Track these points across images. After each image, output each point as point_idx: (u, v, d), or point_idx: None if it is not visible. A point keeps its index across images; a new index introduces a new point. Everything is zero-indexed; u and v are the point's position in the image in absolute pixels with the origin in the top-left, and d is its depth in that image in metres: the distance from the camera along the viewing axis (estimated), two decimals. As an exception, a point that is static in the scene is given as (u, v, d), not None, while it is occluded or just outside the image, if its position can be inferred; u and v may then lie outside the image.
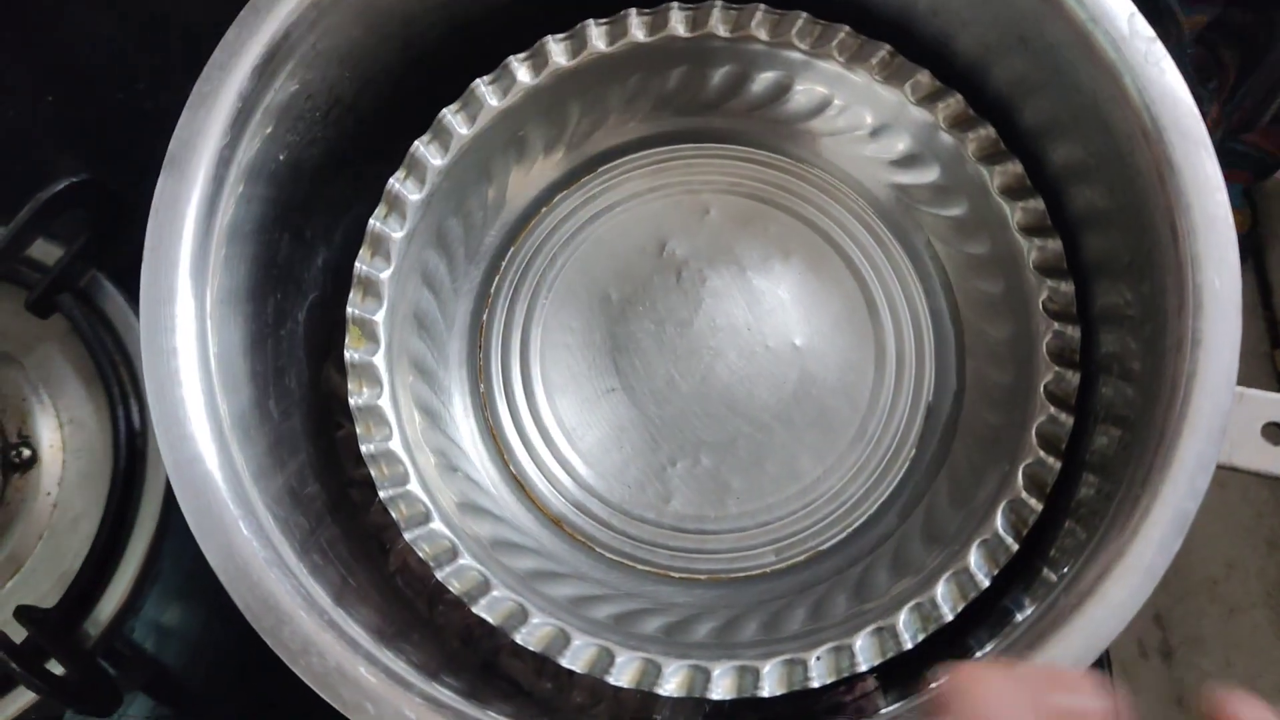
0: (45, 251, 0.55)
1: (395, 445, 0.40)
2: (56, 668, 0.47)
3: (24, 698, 0.49)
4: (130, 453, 0.52)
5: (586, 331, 0.47)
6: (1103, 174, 0.38)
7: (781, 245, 0.48)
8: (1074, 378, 0.40)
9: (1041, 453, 0.40)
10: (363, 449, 0.40)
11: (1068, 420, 0.40)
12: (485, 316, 0.48)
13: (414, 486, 0.40)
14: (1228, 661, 0.66)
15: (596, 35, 0.45)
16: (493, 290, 0.48)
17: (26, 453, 0.53)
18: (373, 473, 0.40)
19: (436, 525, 0.39)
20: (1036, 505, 0.39)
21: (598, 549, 0.45)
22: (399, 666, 0.32)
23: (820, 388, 0.46)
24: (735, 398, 0.46)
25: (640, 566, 0.45)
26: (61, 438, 0.54)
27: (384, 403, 0.41)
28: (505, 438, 0.47)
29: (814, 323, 0.47)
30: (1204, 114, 0.55)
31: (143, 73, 0.61)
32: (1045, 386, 0.40)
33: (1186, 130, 0.34)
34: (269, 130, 0.38)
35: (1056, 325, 0.41)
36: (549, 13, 0.44)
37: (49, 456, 0.53)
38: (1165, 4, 0.53)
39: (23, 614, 0.48)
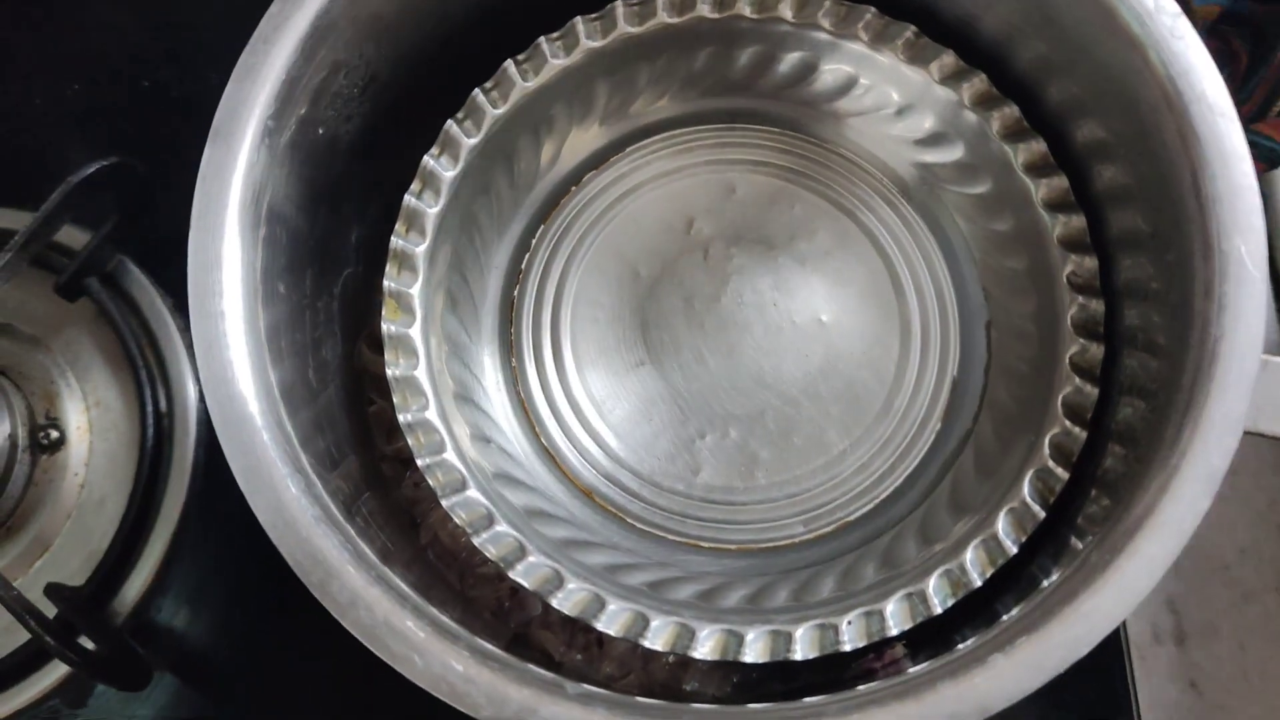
0: (72, 236, 0.55)
1: (432, 415, 0.41)
2: (87, 644, 0.48)
3: (57, 672, 0.49)
4: (157, 434, 0.53)
5: (616, 307, 0.48)
6: (1127, 148, 0.39)
7: (807, 223, 0.49)
8: (1098, 350, 0.41)
9: (1067, 423, 0.40)
10: (400, 418, 0.41)
11: (1092, 391, 0.41)
12: (517, 292, 0.49)
13: (450, 455, 0.40)
14: (1241, 646, 0.66)
15: (626, 16, 0.45)
16: (524, 267, 0.49)
17: (54, 434, 0.53)
18: (410, 441, 0.40)
19: (473, 493, 0.40)
20: (1063, 474, 0.40)
21: (629, 519, 0.45)
22: (444, 620, 0.32)
23: (846, 362, 0.47)
24: (763, 372, 0.47)
25: (671, 537, 0.45)
26: (89, 420, 0.54)
27: (420, 374, 0.42)
28: (537, 411, 0.47)
29: (840, 299, 0.47)
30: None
31: (166, 61, 0.61)
32: (1070, 359, 0.41)
33: (1212, 101, 0.35)
34: (309, 104, 0.39)
35: (1081, 299, 0.42)
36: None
37: (76, 438, 0.54)
38: (1179, -6, 0.54)
39: (52, 591, 0.49)
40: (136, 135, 0.61)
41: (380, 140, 0.44)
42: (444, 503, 0.39)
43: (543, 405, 0.47)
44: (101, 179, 0.52)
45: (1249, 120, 0.60)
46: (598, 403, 0.47)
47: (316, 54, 0.38)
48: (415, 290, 0.43)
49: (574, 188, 0.50)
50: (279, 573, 0.33)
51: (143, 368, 0.53)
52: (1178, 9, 0.36)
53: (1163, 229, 0.37)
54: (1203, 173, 0.35)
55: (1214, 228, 0.34)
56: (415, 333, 0.42)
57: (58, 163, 0.54)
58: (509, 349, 0.48)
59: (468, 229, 0.46)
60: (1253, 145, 0.63)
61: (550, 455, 0.47)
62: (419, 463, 0.40)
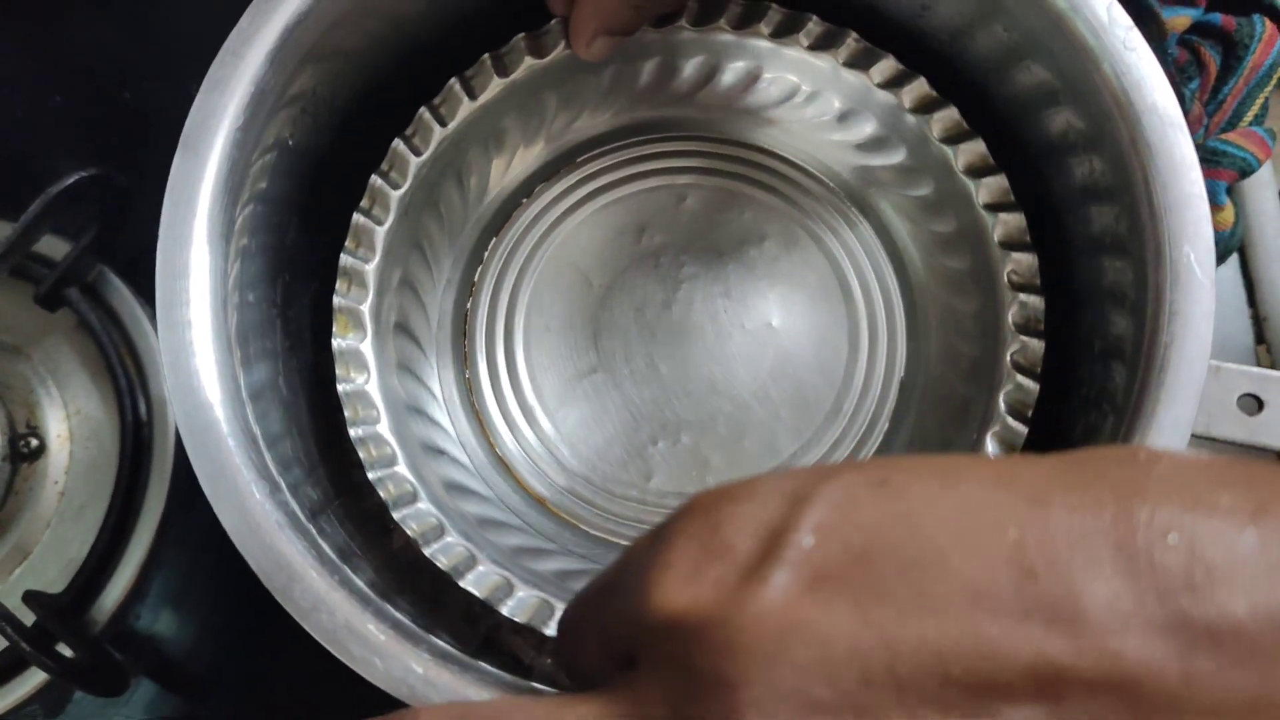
0: (53, 246, 0.56)
1: (383, 429, 0.42)
2: (65, 651, 0.48)
3: (35, 679, 0.50)
4: (136, 443, 0.53)
5: (568, 315, 0.49)
6: (1082, 154, 0.40)
7: (755, 230, 0.49)
8: (1038, 346, 0.42)
9: (1009, 419, 0.41)
10: (351, 432, 0.41)
11: (1033, 388, 0.42)
12: (470, 305, 0.49)
13: (402, 468, 0.41)
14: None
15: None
16: (476, 279, 0.50)
17: (34, 443, 0.54)
18: (361, 454, 0.41)
19: (424, 505, 0.41)
20: None
21: (583, 526, 0.46)
22: (407, 621, 0.32)
23: (796, 365, 0.47)
24: (714, 378, 0.47)
25: (624, 542, 0.46)
26: (69, 428, 0.55)
27: (371, 388, 0.43)
28: (491, 421, 0.48)
29: (788, 303, 0.48)
30: (1186, 113, 0.57)
31: (147, 74, 0.62)
32: (1011, 356, 0.42)
33: (1163, 112, 0.36)
34: (279, 114, 0.39)
35: (1021, 297, 0.43)
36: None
37: (56, 447, 0.54)
38: (1147, 5, 0.55)
39: (31, 599, 0.49)
40: (117, 147, 0.61)
41: (353, 151, 0.45)
42: (395, 515, 0.40)
43: (496, 416, 0.48)
44: (81, 190, 0.53)
45: (1221, 130, 0.61)
46: (551, 411, 0.48)
47: (286, 66, 0.38)
48: (365, 307, 0.44)
49: (525, 200, 0.50)
50: (256, 580, 0.33)
51: (122, 377, 0.54)
52: (1130, 22, 0.37)
53: (1119, 235, 0.38)
54: (1154, 181, 0.35)
55: (1164, 235, 0.35)
56: (366, 348, 0.43)
57: (38, 174, 0.54)
58: (463, 361, 0.49)
59: (419, 244, 0.47)
60: (1225, 155, 0.64)
61: (504, 464, 0.47)
62: (370, 476, 0.41)
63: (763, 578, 0.19)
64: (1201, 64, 0.60)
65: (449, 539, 0.40)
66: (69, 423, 0.55)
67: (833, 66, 0.46)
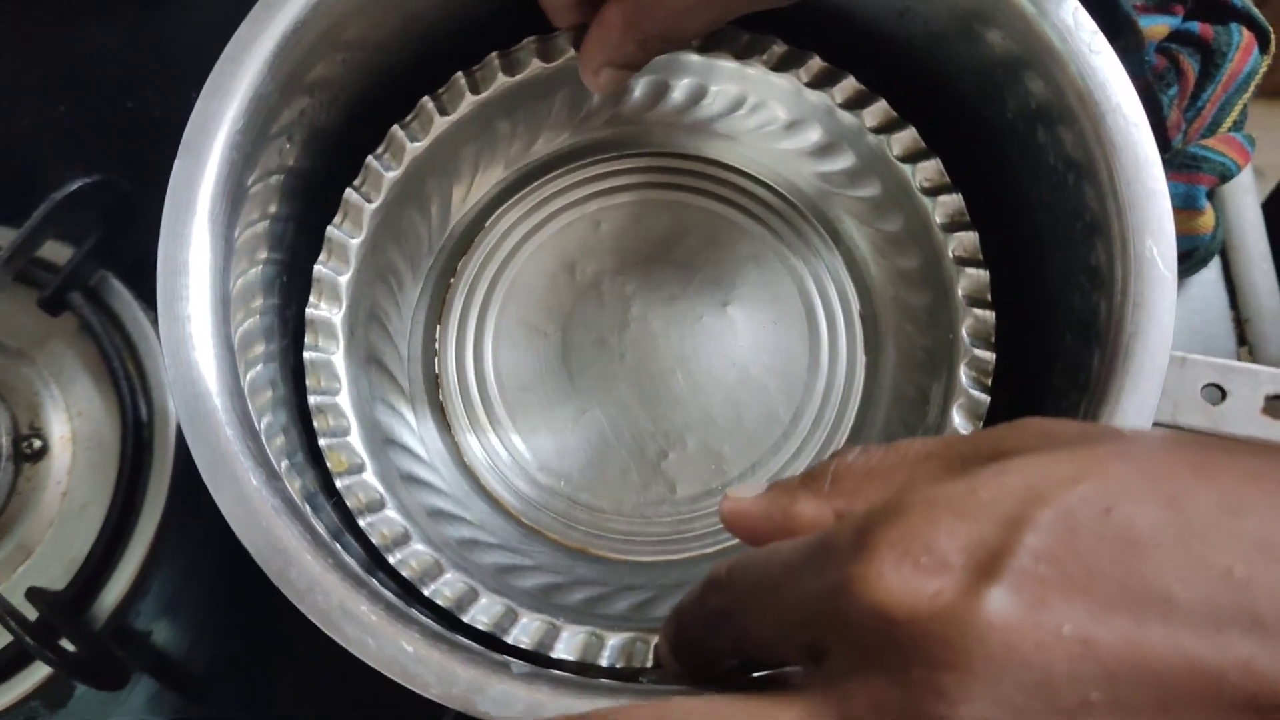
0: (56, 252, 0.57)
1: (370, 477, 0.43)
2: (67, 646, 0.49)
3: (39, 673, 0.50)
4: (137, 443, 0.54)
5: (539, 370, 0.49)
6: (1053, 152, 0.41)
7: (681, 234, 0.51)
8: (989, 315, 0.44)
9: (972, 390, 0.43)
10: (338, 483, 0.42)
11: (989, 356, 0.43)
12: (440, 376, 0.50)
13: (419, 545, 0.42)
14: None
15: (502, 65, 0.47)
16: (438, 348, 0.51)
17: (38, 444, 0.55)
18: (349, 502, 0.42)
19: (450, 575, 0.41)
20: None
21: (631, 559, 0.47)
22: (398, 602, 0.33)
23: (764, 334, 0.49)
24: (694, 376, 0.49)
25: (676, 556, 0.47)
26: (71, 430, 0.55)
27: (354, 439, 0.43)
28: (507, 496, 0.49)
29: (734, 285, 0.50)
30: (1165, 120, 0.58)
31: (150, 82, 0.63)
32: (966, 329, 0.44)
33: (1126, 112, 0.37)
34: (278, 119, 0.40)
35: (968, 270, 0.44)
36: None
37: (59, 447, 0.55)
38: (1125, 14, 0.56)
39: (34, 595, 0.50)
40: (120, 154, 0.62)
41: (350, 154, 0.46)
42: (390, 558, 0.41)
43: (508, 494, 0.49)
44: (84, 196, 0.54)
45: (1200, 136, 0.62)
46: (559, 471, 0.48)
47: (284, 71, 0.39)
48: (338, 357, 0.45)
49: (460, 262, 0.51)
50: (255, 576, 0.34)
51: (124, 379, 0.55)
52: (1095, 26, 0.38)
53: (1087, 229, 0.39)
54: (1118, 177, 0.37)
55: (1129, 230, 0.36)
56: (344, 400, 0.44)
57: (44, 181, 0.55)
58: (457, 452, 0.49)
59: (374, 312, 0.47)
60: (1205, 160, 0.65)
61: (537, 531, 0.48)
62: (360, 523, 0.41)
63: (985, 595, 0.20)
64: (1180, 71, 0.61)
65: (448, 575, 0.41)
66: (71, 424, 0.55)
67: (764, 73, 0.47)
